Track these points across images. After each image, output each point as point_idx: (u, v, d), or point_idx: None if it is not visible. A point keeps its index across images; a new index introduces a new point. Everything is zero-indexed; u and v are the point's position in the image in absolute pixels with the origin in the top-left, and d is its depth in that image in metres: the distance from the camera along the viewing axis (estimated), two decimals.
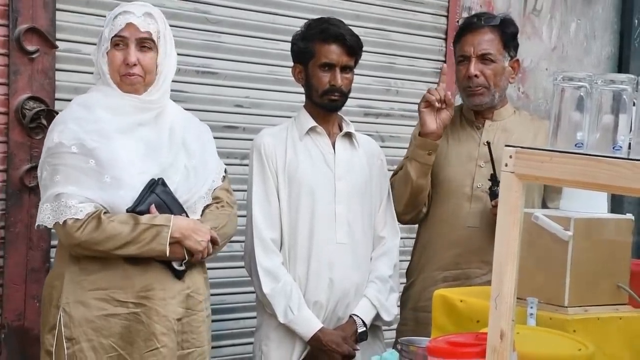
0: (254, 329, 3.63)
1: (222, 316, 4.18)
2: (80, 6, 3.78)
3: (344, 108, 3.58)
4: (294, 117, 3.59)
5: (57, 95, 3.69)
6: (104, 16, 3.20)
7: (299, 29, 3.57)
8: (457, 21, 4.14)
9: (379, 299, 3.50)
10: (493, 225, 3.10)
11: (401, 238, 3.70)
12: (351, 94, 3.60)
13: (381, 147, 3.81)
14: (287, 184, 3.45)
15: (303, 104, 3.58)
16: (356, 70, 3.58)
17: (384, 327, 3.66)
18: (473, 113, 3.65)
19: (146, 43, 3.08)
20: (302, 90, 3.58)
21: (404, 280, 3.80)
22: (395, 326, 3.77)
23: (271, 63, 4.35)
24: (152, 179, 3.04)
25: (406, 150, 3.73)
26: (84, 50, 3.70)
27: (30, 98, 3.62)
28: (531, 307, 2.54)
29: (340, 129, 3.57)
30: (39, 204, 3.01)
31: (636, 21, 5.93)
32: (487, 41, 3.55)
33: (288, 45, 3.62)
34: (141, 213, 2.99)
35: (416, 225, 3.84)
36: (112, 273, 3.00)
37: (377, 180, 3.61)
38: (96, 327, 2.98)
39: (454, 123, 3.65)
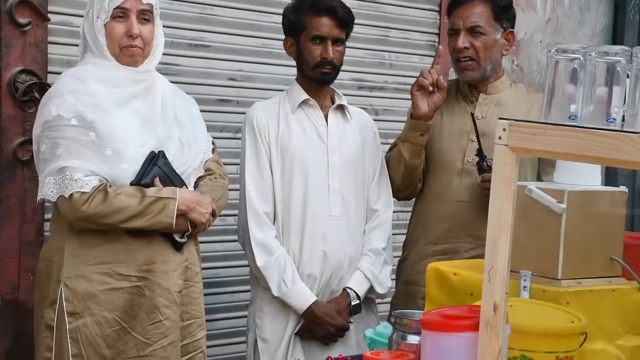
0: (248, 302, 3.64)
1: (216, 289, 4.19)
2: None
3: (337, 81, 3.57)
4: (286, 90, 3.58)
5: (49, 69, 3.67)
6: None
7: (290, 1, 3.56)
8: None
9: (372, 272, 3.51)
10: (482, 199, 3.10)
11: (394, 212, 3.71)
12: (345, 67, 3.58)
13: (375, 120, 3.81)
14: (280, 157, 3.45)
15: (295, 77, 3.57)
16: (350, 43, 3.57)
17: (377, 300, 3.67)
18: (467, 86, 3.65)
19: (146, 15, 3.07)
20: (295, 63, 3.57)
21: (397, 253, 3.81)
22: (389, 299, 3.78)
23: (264, 36, 4.33)
24: (152, 151, 3.03)
25: (400, 123, 3.73)
26: (77, 22, 3.67)
27: (23, 71, 3.60)
28: (524, 280, 2.54)
29: (333, 102, 3.57)
30: (40, 177, 2.99)
31: None
32: (476, 14, 3.54)
33: (281, 18, 3.60)
34: (146, 186, 2.99)
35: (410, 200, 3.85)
36: (114, 246, 3.00)
37: (370, 152, 3.60)
38: (99, 301, 2.97)
39: (449, 96, 3.64)
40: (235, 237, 3.61)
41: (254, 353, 3.50)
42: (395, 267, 3.78)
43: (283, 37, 3.57)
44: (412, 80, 3.56)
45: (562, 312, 2.42)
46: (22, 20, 3.59)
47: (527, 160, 3.51)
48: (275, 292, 3.40)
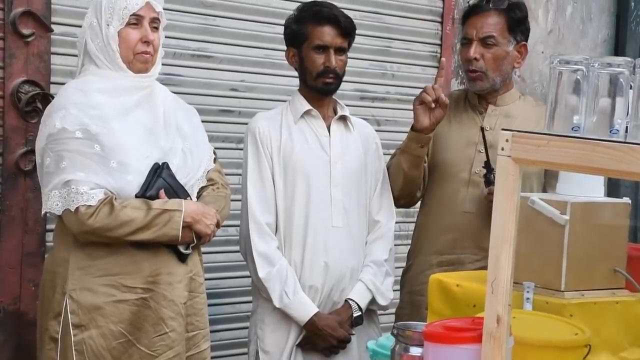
0: (250, 313, 3.63)
1: (218, 300, 4.18)
2: None
3: (339, 92, 3.57)
4: (289, 101, 3.58)
5: (52, 79, 3.68)
6: None
7: (292, 12, 3.56)
8: (468, 1, 4.10)
9: (374, 283, 3.50)
10: (488, 211, 3.10)
11: (396, 222, 3.70)
12: (347, 78, 3.58)
13: (377, 131, 3.80)
14: (282, 167, 3.45)
15: (298, 87, 3.57)
16: (352, 54, 3.57)
17: (380, 311, 3.66)
18: (477, 97, 3.64)
19: (156, 23, 3.10)
20: (297, 74, 3.57)
21: (400, 264, 3.80)
22: (392, 310, 3.77)
23: (267, 47, 4.33)
24: (156, 163, 3.03)
25: (402, 134, 3.72)
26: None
27: (26, 82, 3.61)
28: (528, 292, 2.54)
29: (335, 113, 3.57)
30: (44, 191, 2.97)
31: (633, 4, 5.90)
32: (491, 24, 3.53)
33: (283, 29, 3.61)
34: (151, 198, 2.99)
35: (412, 210, 3.84)
36: (120, 258, 3.00)
37: (372, 163, 3.60)
38: (105, 313, 2.97)
39: (458, 106, 3.64)
40: (237, 248, 3.61)
41: None
42: (399, 277, 3.77)
43: (285, 47, 3.57)
44: (414, 91, 3.57)
45: (566, 324, 2.42)
46: (26, 31, 3.59)
47: (534, 173, 3.50)
48: (276, 304, 3.39)
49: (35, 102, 3.61)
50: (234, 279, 4.24)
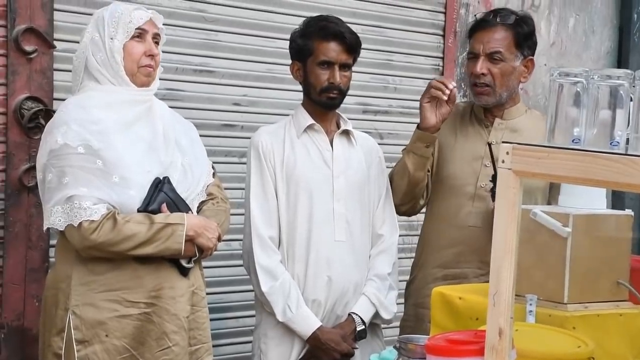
0: (253, 327, 3.63)
1: (221, 315, 4.18)
2: (78, 6, 3.77)
3: (342, 105, 3.57)
4: (292, 115, 3.58)
5: (55, 95, 3.69)
6: None
7: (297, 26, 3.57)
8: (475, 15, 4.09)
9: (378, 297, 3.50)
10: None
11: (400, 235, 3.70)
12: (349, 91, 3.58)
13: (379, 144, 3.80)
14: (285, 181, 3.45)
15: (301, 101, 3.58)
16: (354, 68, 3.57)
17: (383, 325, 3.66)
18: (483, 111, 3.63)
19: (157, 38, 3.14)
20: (300, 88, 3.57)
21: (404, 277, 3.80)
22: (396, 323, 3.76)
23: (269, 61, 4.34)
24: (157, 177, 3.04)
25: (404, 147, 3.72)
26: None
27: (29, 98, 3.62)
28: (530, 304, 2.53)
29: (338, 127, 3.57)
30: (46, 206, 2.97)
31: (635, 15, 5.91)
32: (497, 40, 3.52)
33: (285, 43, 3.62)
34: (153, 212, 2.99)
35: (416, 223, 3.83)
36: (122, 273, 3.00)
37: (375, 177, 3.60)
38: (108, 328, 2.97)
39: (464, 119, 3.64)
40: (240, 262, 3.61)
41: None
42: (403, 290, 3.76)
43: (288, 62, 3.58)
44: (417, 104, 3.56)
45: (569, 336, 2.41)
46: (28, 48, 3.61)
47: (538, 188, 3.50)
48: (280, 318, 3.39)
49: (38, 118, 3.62)
50: (238, 293, 4.24)
